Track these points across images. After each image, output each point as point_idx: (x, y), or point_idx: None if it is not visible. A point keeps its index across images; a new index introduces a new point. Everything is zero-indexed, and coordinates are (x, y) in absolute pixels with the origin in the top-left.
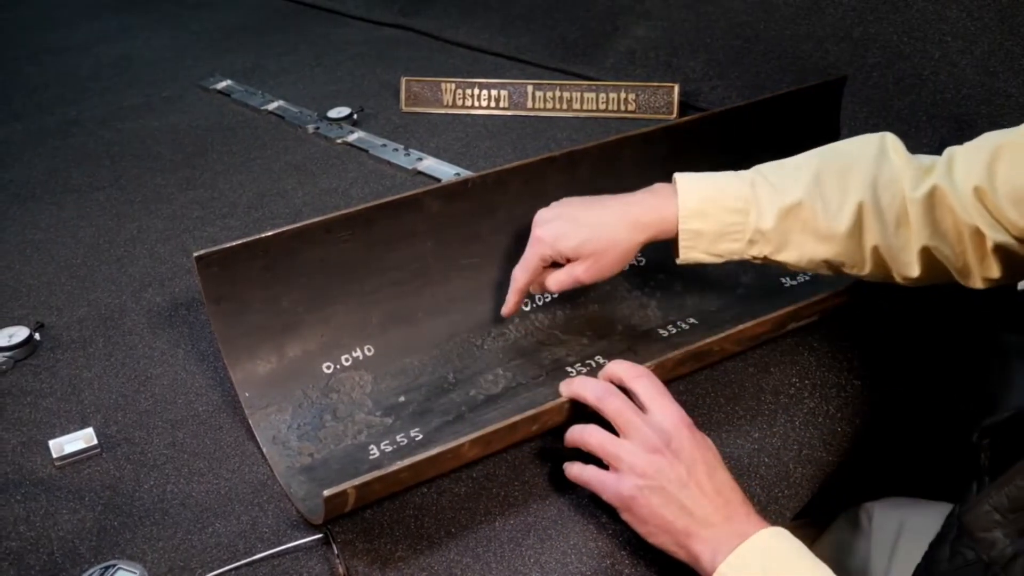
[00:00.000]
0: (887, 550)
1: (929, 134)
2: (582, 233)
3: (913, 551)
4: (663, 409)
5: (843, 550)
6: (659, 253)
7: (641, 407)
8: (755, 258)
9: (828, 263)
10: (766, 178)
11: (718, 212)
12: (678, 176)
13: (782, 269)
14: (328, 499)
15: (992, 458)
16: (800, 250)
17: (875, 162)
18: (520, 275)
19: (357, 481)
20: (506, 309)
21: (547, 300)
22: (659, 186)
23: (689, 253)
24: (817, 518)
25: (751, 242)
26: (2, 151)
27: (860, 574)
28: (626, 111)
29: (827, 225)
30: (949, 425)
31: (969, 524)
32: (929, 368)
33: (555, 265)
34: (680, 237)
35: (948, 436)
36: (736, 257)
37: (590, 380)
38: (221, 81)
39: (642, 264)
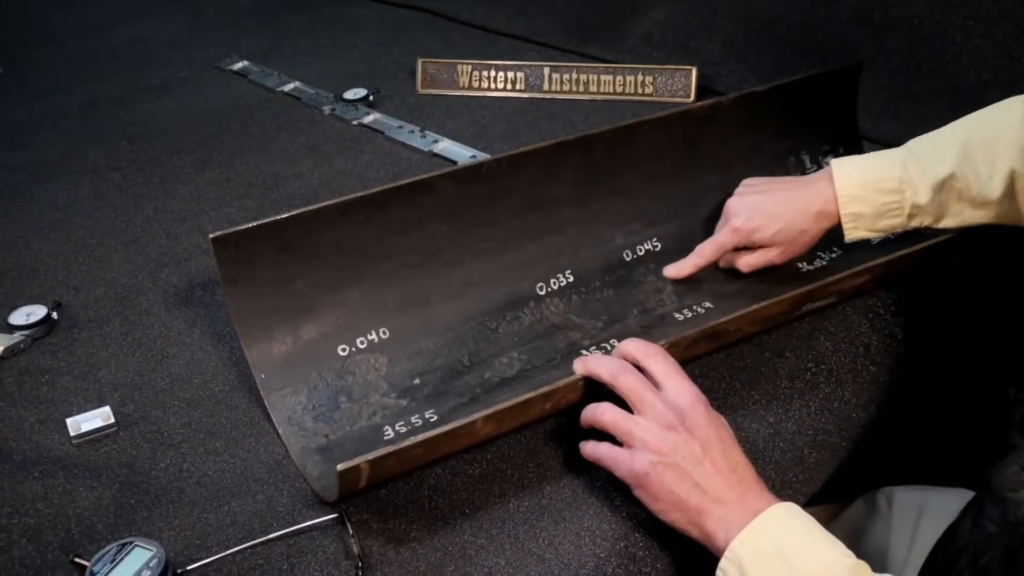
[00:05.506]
0: (908, 532)
1: (950, 119)
2: (776, 226)
3: (934, 533)
4: (678, 387)
5: (859, 532)
6: (674, 239)
7: (656, 385)
8: (918, 228)
9: (990, 225)
10: (916, 155)
11: (873, 195)
12: (833, 163)
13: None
14: (342, 474)
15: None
16: (959, 217)
17: (1020, 127)
18: (710, 251)
19: (371, 456)
20: (677, 272)
21: (562, 284)
22: (821, 175)
23: (853, 233)
24: (831, 503)
25: (911, 216)
26: (20, 131)
27: (877, 556)
28: (643, 94)
29: (980, 193)
30: (966, 413)
31: (997, 485)
32: (946, 355)
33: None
34: (842, 220)
35: (964, 423)
36: (899, 230)
37: (604, 357)
38: (238, 62)
39: (658, 249)
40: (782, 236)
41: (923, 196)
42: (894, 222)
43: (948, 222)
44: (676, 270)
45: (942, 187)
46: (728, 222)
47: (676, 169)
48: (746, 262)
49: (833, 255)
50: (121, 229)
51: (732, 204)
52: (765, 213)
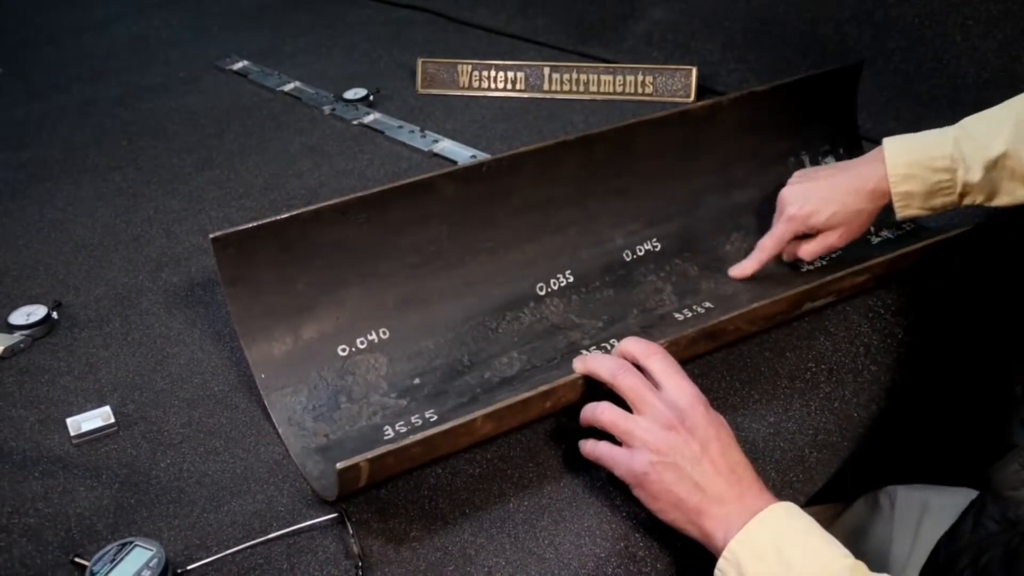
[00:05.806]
0: (910, 532)
1: (949, 119)
2: (831, 208)
3: (936, 533)
4: (678, 386)
5: (861, 532)
6: (674, 239)
7: (655, 384)
8: (969, 206)
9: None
10: (969, 132)
11: (925, 173)
12: (886, 142)
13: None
14: (341, 472)
15: None
16: (1012, 195)
17: None
18: (770, 244)
19: (371, 454)
20: (742, 272)
21: (562, 284)
22: (873, 155)
23: (905, 211)
24: (832, 503)
25: (962, 195)
26: (20, 131)
27: (879, 555)
28: (643, 94)
29: None
30: (968, 411)
31: (997, 484)
32: (947, 354)
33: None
34: (894, 199)
35: (965, 422)
36: (951, 208)
37: (604, 356)
38: (238, 62)
39: (657, 250)
40: (837, 218)
41: (975, 174)
42: (946, 200)
43: (1000, 201)
44: (740, 270)
45: (995, 165)
46: (783, 212)
47: (676, 169)
48: (807, 250)
49: (833, 255)
50: (121, 229)
51: (785, 193)
52: (818, 197)
